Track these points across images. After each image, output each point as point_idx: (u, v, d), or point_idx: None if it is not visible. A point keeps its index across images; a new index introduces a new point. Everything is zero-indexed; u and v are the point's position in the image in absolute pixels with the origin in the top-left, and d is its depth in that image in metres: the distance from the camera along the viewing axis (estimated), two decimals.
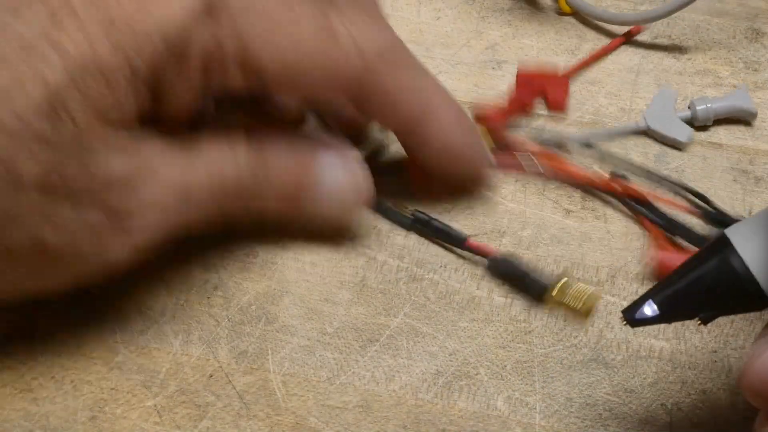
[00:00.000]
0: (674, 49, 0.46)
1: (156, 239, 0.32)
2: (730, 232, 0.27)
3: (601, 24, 0.48)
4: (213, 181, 0.33)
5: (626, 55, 0.46)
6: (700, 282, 0.27)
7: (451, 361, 0.34)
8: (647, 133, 0.42)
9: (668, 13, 0.45)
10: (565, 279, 0.35)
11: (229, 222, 0.34)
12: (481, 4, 0.49)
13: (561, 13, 0.48)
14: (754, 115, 0.42)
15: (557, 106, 0.43)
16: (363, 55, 0.33)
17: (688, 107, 0.42)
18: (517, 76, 0.44)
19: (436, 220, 0.38)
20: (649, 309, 0.28)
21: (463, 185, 0.39)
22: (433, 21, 0.48)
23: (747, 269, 0.26)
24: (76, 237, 0.30)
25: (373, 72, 0.33)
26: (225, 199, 0.33)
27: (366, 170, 0.36)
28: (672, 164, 0.41)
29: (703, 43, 0.47)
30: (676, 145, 0.42)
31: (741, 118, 0.43)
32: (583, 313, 0.34)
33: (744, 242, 0.26)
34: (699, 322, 0.28)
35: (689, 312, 0.28)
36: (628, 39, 0.46)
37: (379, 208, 0.38)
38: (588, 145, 0.41)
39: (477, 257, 0.37)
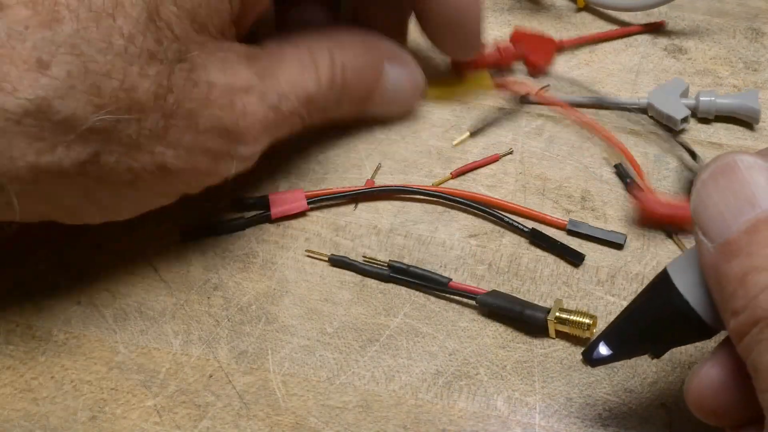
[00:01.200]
0: (674, 49, 0.46)
1: (257, 151, 0.34)
2: (671, 268, 0.27)
3: (608, 13, 0.48)
4: (299, 96, 0.35)
5: (626, 55, 0.46)
6: (645, 319, 0.28)
7: (451, 361, 0.34)
8: (647, 110, 0.42)
9: None
10: (558, 312, 0.34)
11: (306, 126, 0.37)
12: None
13: (578, 9, 0.48)
14: (757, 117, 0.42)
15: (536, 68, 0.45)
16: None
17: (694, 98, 0.43)
18: (513, 31, 0.46)
19: (414, 267, 0.36)
20: (604, 349, 0.29)
21: (455, 48, 0.41)
22: None
23: (686, 303, 0.26)
24: (195, 159, 0.31)
25: None
26: (308, 111, 0.36)
27: (421, 70, 0.41)
28: (671, 164, 0.41)
29: (703, 43, 0.47)
30: (671, 125, 0.42)
31: (744, 119, 0.43)
32: (589, 336, 0.34)
33: (682, 277, 0.26)
34: (651, 357, 0.28)
35: (641, 348, 0.29)
36: (649, 30, 0.47)
37: (352, 266, 0.37)
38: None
39: (476, 256, 0.37)
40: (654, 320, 0.27)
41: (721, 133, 0.43)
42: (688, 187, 0.38)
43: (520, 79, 0.44)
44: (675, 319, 0.27)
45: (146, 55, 0.29)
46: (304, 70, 0.35)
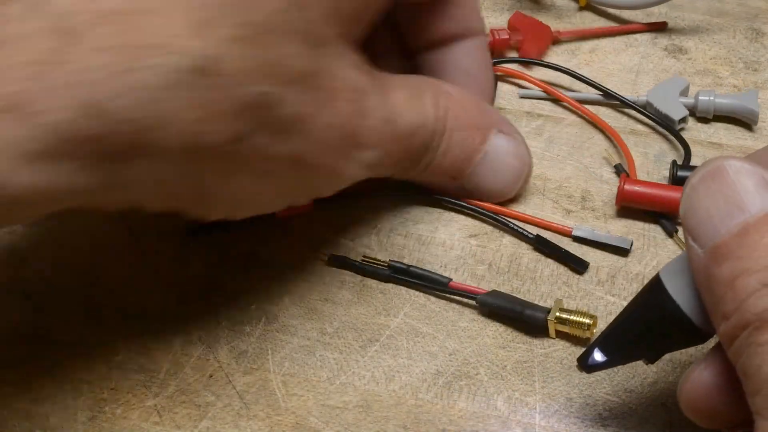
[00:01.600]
0: (674, 49, 0.46)
1: (375, 161, 0.33)
2: (663, 273, 0.27)
3: (610, 12, 0.48)
4: (403, 123, 0.34)
5: (626, 55, 0.46)
6: (638, 325, 0.28)
7: (451, 361, 0.34)
8: (645, 108, 0.42)
9: None
10: (558, 312, 0.34)
11: (403, 173, 0.36)
12: (481, 4, 0.49)
13: (579, 8, 0.49)
14: (755, 118, 0.42)
15: (526, 55, 0.45)
16: None
17: (693, 97, 0.43)
18: (513, 15, 0.47)
19: (414, 267, 0.36)
20: (599, 355, 0.29)
21: None
22: None
23: (678, 308, 0.26)
24: (324, 153, 0.31)
25: None
26: (410, 146, 0.34)
27: (528, 150, 0.38)
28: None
29: (703, 43, 0.47)
30: (669, 124, 0.42)
31: (743, 119, 0.43)
32: (589, 336, 0.34)
33: (674, 281, 0.26)
34: (646, 362, 0.28)
35: (636, 353, 0.29)
36: (650, 29, 0.47)
37: (351, 265, 0.37)
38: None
39: (477, 256, 0.37)
40: (648, 326, 0.27)
41: (721, 133, 0.43)
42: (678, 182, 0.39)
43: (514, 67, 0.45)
44: (668, 324, 0.27)
45: (294, 32, 0.28)
46: (412, 100, 0.34)
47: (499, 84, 0.45)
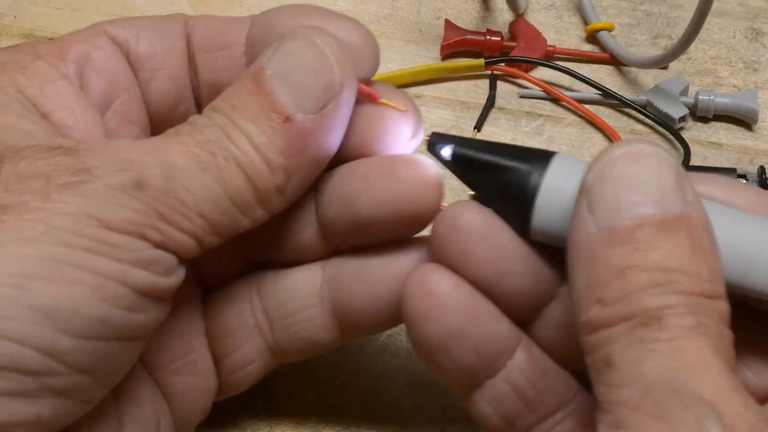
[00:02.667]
0: None
1: None
2: (559, 160, 0.25)
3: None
4: None
5: None
6: (502, 171, 0.26)
7: None
8: (645, 107, 0.43)
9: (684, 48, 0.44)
10: None
11: None
12: (481, 5, 0.49)
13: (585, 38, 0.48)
14: (755, 117, 0.42)
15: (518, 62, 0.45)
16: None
17: (693, 97, 0.43)
18: (517, 18, 0.46)
19: None
20: (448, 151, 0.27)
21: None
22: (433, 21, 0.48)
23: (540, 197, 0.25)
24: None
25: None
26: None
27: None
28: None
29: (703, 43, 0.47)
30: (668, 122, 0.42)
31: (742, 119, 0.43)
32: None
33: (560, 177, 0.25)
34: (472, 197, 0.27)
35: (476, 177, 0.27)
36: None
37: None
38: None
39: None
40: (507, 180, 0.26)
41: (721, 132, 0.43)
42: None
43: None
44: (518, 197, 0.25)
45: None
46: None
47: (499, 83, 0.45)
